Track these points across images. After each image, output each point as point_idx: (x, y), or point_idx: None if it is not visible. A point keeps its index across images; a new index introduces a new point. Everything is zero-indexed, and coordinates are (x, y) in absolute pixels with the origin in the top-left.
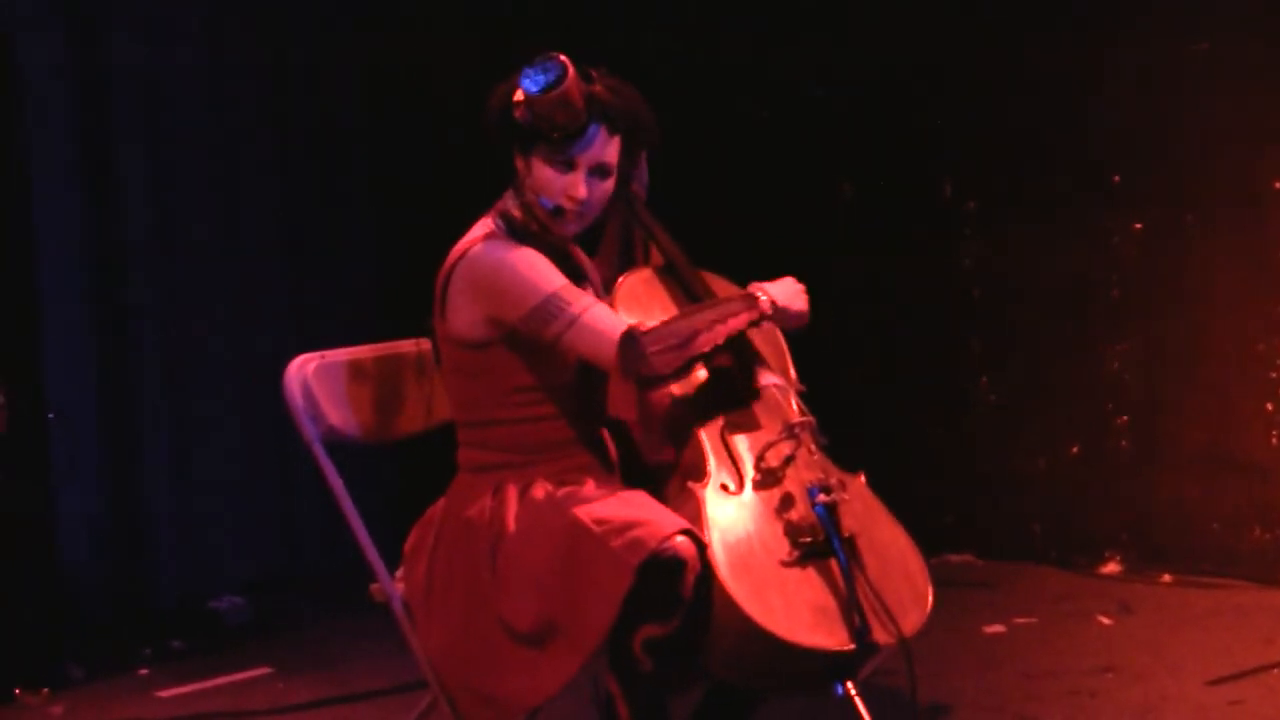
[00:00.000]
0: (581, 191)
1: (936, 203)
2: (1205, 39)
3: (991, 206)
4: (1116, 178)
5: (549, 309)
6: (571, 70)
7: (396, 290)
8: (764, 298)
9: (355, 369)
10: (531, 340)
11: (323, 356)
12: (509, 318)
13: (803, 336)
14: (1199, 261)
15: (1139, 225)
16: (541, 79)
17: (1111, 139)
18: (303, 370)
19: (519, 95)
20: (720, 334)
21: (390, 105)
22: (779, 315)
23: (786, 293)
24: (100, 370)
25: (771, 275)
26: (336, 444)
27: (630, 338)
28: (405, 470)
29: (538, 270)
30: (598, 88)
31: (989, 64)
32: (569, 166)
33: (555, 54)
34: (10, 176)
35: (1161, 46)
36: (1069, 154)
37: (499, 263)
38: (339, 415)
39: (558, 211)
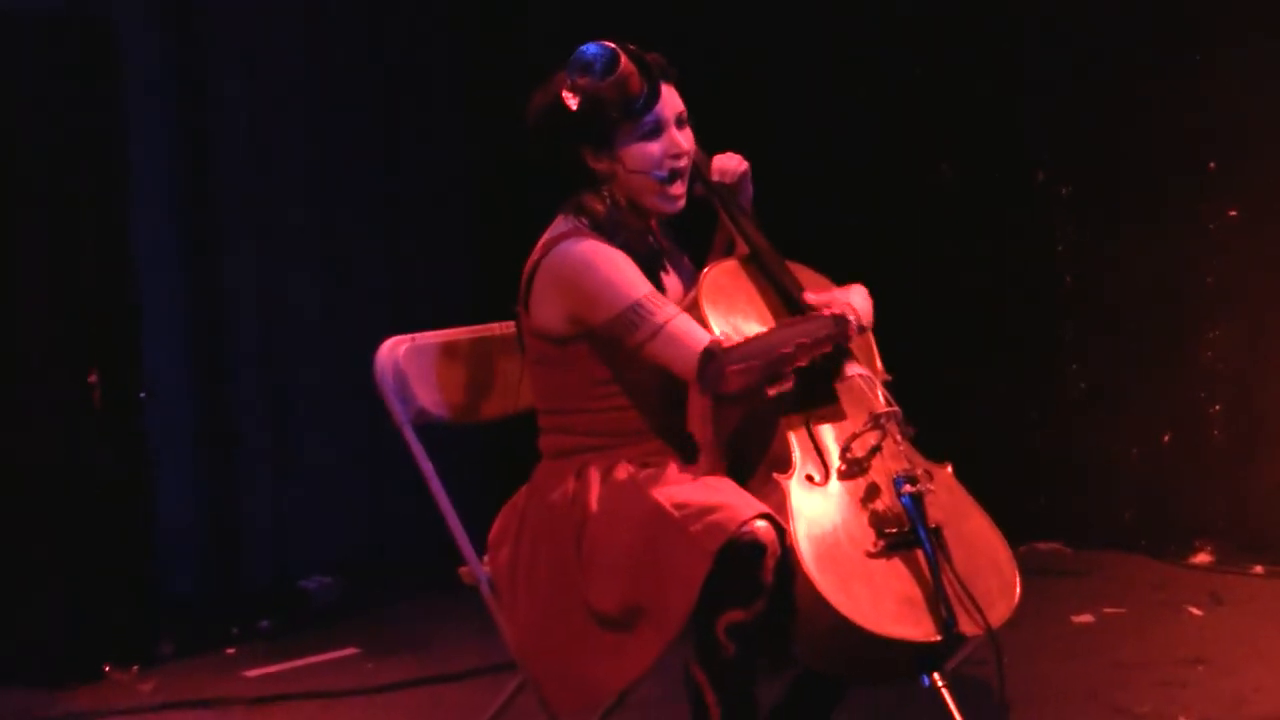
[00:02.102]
0: (684, 145)
1: (1030, 188)
2: None
3: (1085, 192)
4: (1212, 164)
5: (633, 317)
6: (620, 49)
7: (492, 277)
8: (853, 320)
9: (447, 350)
10: (613, 343)
11: (413, 339)
12: (592, 320)
13: (893, 324)
14: None
15: (1234, 212)
16: (599, 67)
17: (1207, 125)
18: (394, 352)
19: (571, 95)
20: (804, 356)
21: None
22: (860, 334)
23: (865, 310)
24: (196, 350)
25: (864, 261)
26: (426, 426)
27: (710, 354)
28: (495, 453)
29: (624, 275)
30: (644, 54)
31: (1083, 48)
32: (660, 128)
33: (590, 43)
34: (111, 159)
35: (1260, 31)
36: (1165, 140)
37: (585, 263)
38: (429, 397)
39: (672, 177)
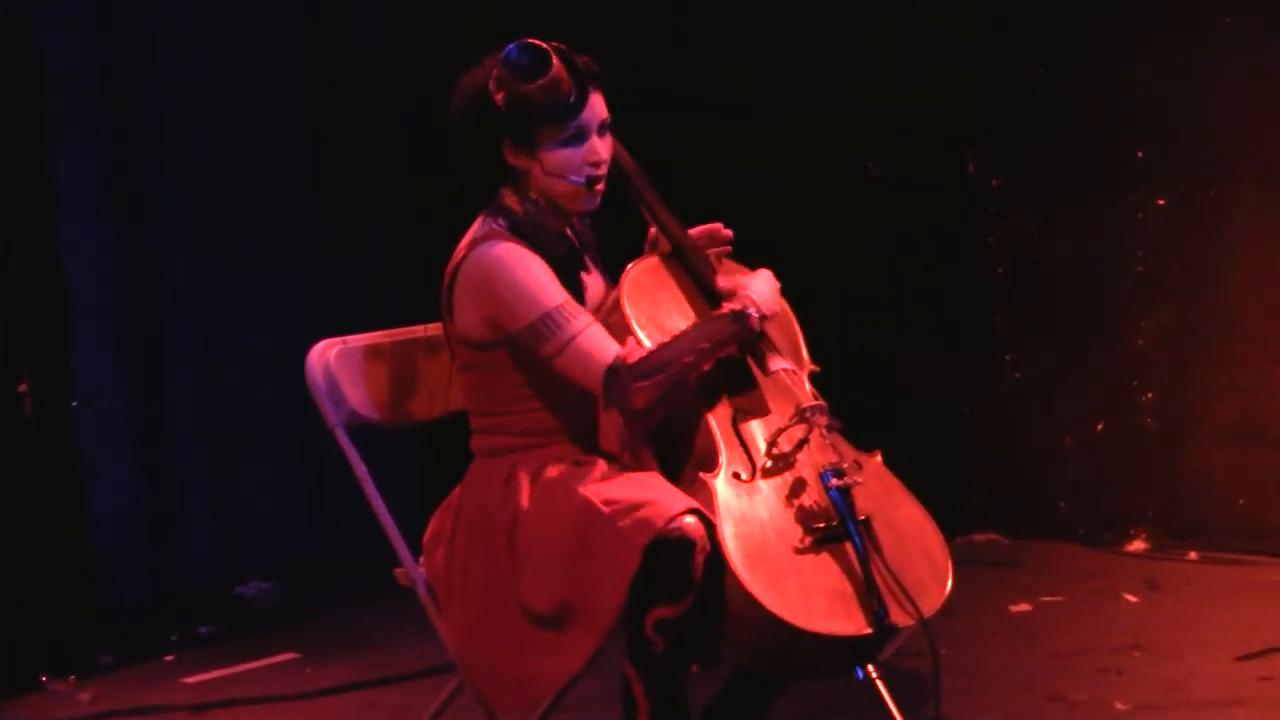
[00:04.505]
0: (603, 153)
1: (962, 179)
2: (1229, 13)
3: (1016, 182)
4: (1141, 153)
5: (542, 329)
6: (552, 51)
7: (427, 277)
8: (754, 313)
9: (378, 352)
10: (529, 351)
11: (344, 341)
12: (508, 327)
13: (825, 317)
14: (1224, 237)
15: (1163, 201)
16: (530, 68)
17: (1135, 113)
18: (325, 355)
19: (498, 90)
20: (707, 360)
21: (421, 88)
22: (764, 324)
23: (768, 297)
24: (129, 357)
25: (794, 253)
26: (360, 428)
27: (613, 372)
28: (430, 455)
29: (538, 283)
30: (573, 56)
31: (1012, 38)
32: (582, 135)
33: (525, 40)
34: (34, 162)
35: (1186, 21)
36: (1093, 130)
37: (500, 270)
38: (361, 399)
39: (590, 183)
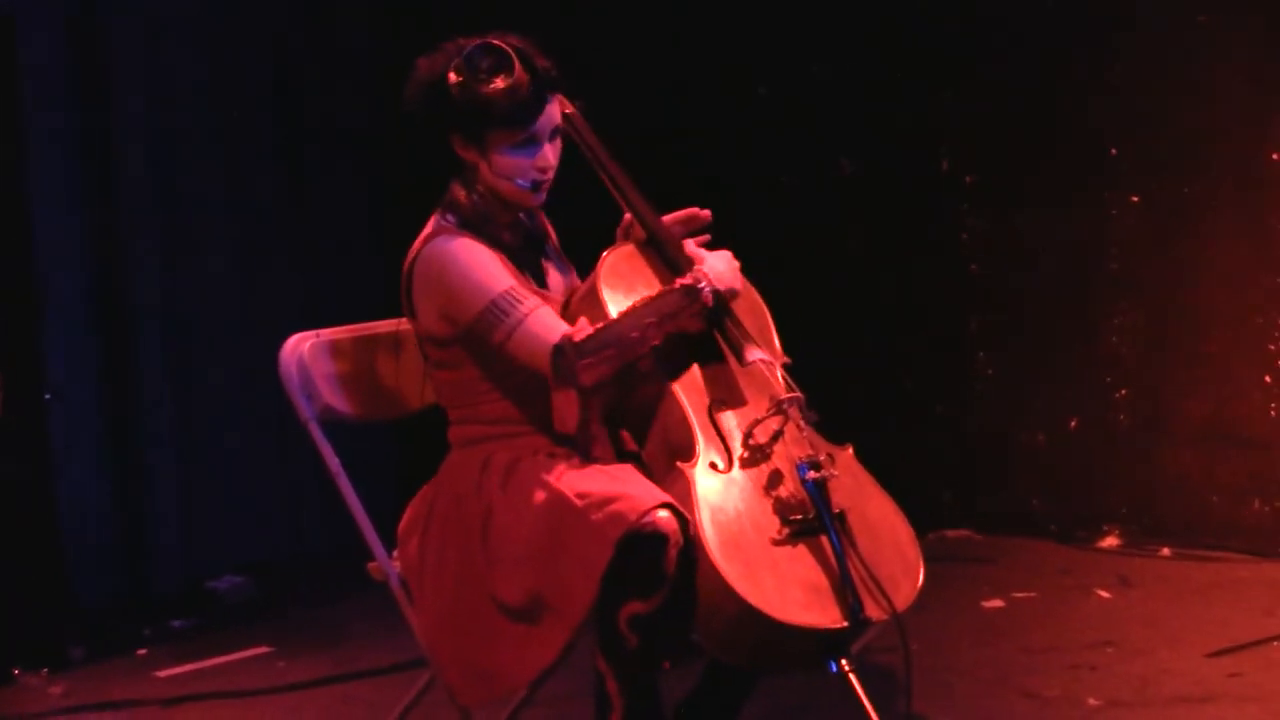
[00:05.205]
0: (552, 159)
1: (935, 177)
2: (1204, 11)
3: (990, 180)
4: (1114, 150)
5: (490, 316)
6: (515, 55)
7: (399, 272)
8: (705, 287)
9: (351, 346)
10: (482, 342)
11: (317, 335)
12: (461, 320)
13: (800, 313)
14: (1197, 234)
15: (1137, 198)
16: (491, 69)
17: (1110, 111)
18: (298, 349)
19: (456, 85)
20: (656, 335)
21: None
22: (719, 300)
23: (724, 274)
24: (100, 350)
25: (768, 252)
26: (334, 423)
27: (560, 350)
28: (404, 449)
29: (485, 270)
30: (535, 60)
31: (985, 37)
32: (533, 142)
33: (492, 40)
34: (8, 153)
35: (1160, 18)
36: (1067, 127)
37: (447, 262)
38: (334, 394)
39: (535, 187)
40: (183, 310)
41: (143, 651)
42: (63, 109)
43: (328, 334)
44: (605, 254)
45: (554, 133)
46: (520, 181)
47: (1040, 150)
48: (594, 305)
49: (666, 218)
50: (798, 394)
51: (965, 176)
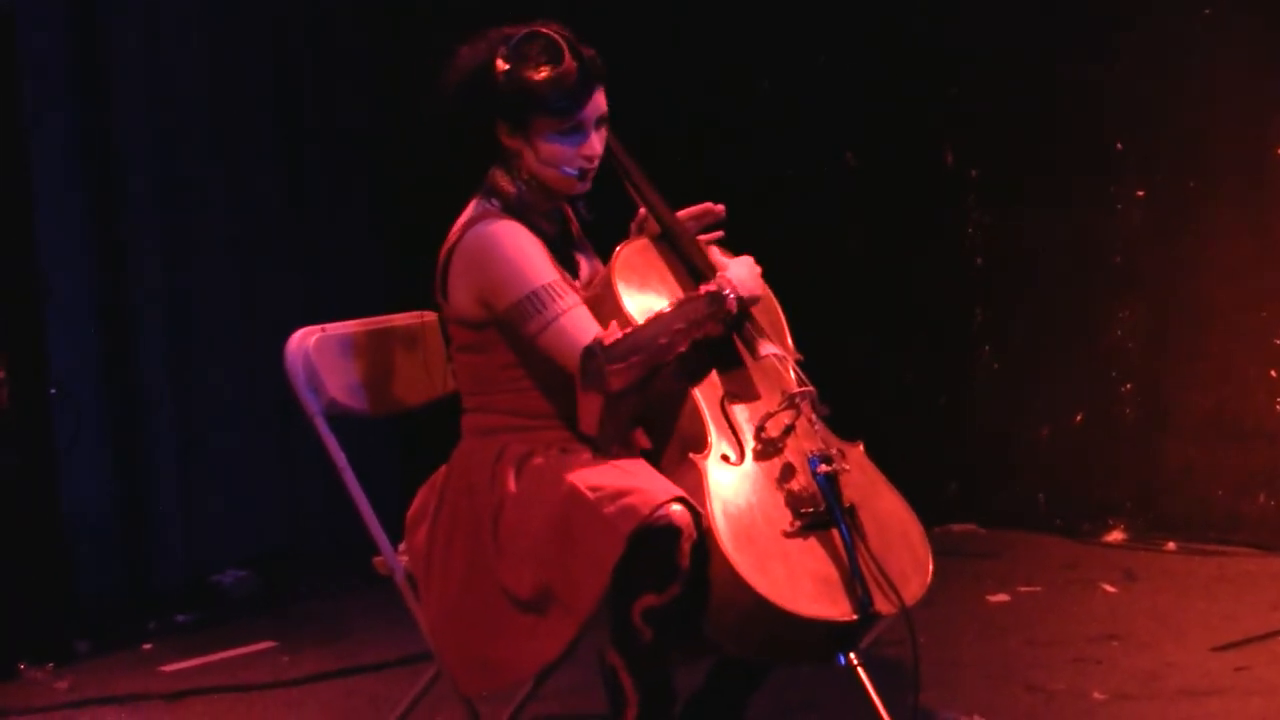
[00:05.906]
0: (598, 148)
1: (939, 170)
2: (1208, 6)
3: (994, 174)
4: (1119, 145)
5: (528, 307)
6: (564, 43)
7: (403, 267)
8: (730, 294)
9: (358, 340)
10: (514, 329)
11: (324, 329)
12: (497, 305)
13: (806, 304)
14: (1202, 228)
15: (1142, 192)
16: (541, 57)
17: (1114, 106)
18: (304, 343)
19: (503, 72)
20: (683, 341)
21: (397, 77)
22: (743, 307)
23: (747, 280)
24: (103, 344)
25: (772, 247)
26: (340, 417)
27: (590, 353)
28: (409, 444)
29: (529, 260)
30: (582, 49)
31: (991, 31)
32: (580, 130)
33: (539, 28)
34: (10, 150)
35: (1164, 13)
36: (1072, 121)
37: (493, 246)
38: (340, 388)
39: (581, 175)
40: (185, 302)
41: (147, 646)
42: (63, 108)
43: (334, 328)
44: (619, 248)
45: (600, 121)
46: (567, 169)
47: (1045, 144)
48: (608, 300)
49: (680, 213)
50: (810, 388)
51: (970, 171)
